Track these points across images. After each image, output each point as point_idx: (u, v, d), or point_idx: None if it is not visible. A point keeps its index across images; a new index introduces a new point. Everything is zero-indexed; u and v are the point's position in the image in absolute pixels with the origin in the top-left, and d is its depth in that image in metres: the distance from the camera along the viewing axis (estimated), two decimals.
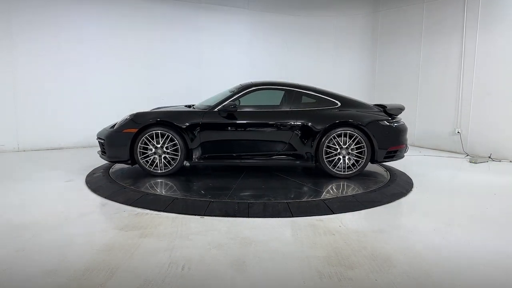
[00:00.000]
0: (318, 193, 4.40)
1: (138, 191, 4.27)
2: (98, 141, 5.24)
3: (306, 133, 4.99)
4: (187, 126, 4.87)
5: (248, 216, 3.65)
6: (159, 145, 4.86)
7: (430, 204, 4.23)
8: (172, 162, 4.92)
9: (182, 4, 8.32)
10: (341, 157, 5.00)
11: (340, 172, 5.01)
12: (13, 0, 6.71)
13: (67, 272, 2.50)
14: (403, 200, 4.36)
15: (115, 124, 5.10)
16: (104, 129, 5.26)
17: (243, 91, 5.19)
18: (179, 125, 4.85)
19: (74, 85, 7.38)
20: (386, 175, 5.28)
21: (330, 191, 4.48)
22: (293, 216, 3.67)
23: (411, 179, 5.20)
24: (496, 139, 6.97)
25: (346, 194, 4.34)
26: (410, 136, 8.42)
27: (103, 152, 5.16)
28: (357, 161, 5.02)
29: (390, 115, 5.26)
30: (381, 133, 5.02)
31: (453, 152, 7.57)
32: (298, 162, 5.05)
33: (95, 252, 2.82)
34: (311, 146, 4.97)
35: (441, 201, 4.38)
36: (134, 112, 5.03)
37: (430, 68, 8.09)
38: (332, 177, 5.02)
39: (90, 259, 2.71)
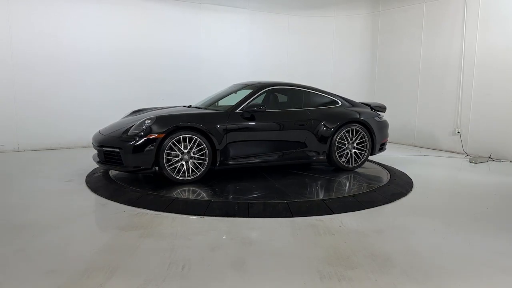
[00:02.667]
0: (360, 186, 4.78)
1: (138, 191, 4.27)
2: (104, 150, 4.60)
3: (322, 131, 5.30)
4: (214, 129, 4.65)
5: (248, 216, 3.65)
6: (186, 150, 4.52)
7: (430, 204, 4.23)
8: (199, 167, 4.60)
9: (182, 4, 8.32)
10: (348, 151, 5.44)
11: (348, 165, 5.46)
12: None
13: (67, 272, 2.50)
14: (403, 200, 4.36)
15: (128, 129, 4.56)
16: (109, 135, 4.69)
17: (259, 91, 5.23)
18: (206, 127, 4.60)
19: (73, 85, 7.37)
20: (386, 175, 5.28)
21: (370, 184, 4.82)
22: (293, 216, 3.67)
23: (411, 179, 5.20)
24: (496, 139, 6.96)
25: (346, 194, 4.34)
26: (410, 136, 8.53)
27: (107, 161, 4.61)
28: (361, 154, 5.51)
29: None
30: (377, 128, 5.63)
31: (453, 152, 7.56)
32: (314, 159, 5.34)
33: (95, 252, 2.82)
34: (326, 143, 5.31)
35: (441, 201, 4.38)
36: (153, 116, 4.61)
37: (430, 68, 8.09)
38: (341, 170, 5.44)
39: (90, 259, 2.71)
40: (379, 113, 5.88)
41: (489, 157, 6.93)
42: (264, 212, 3.73)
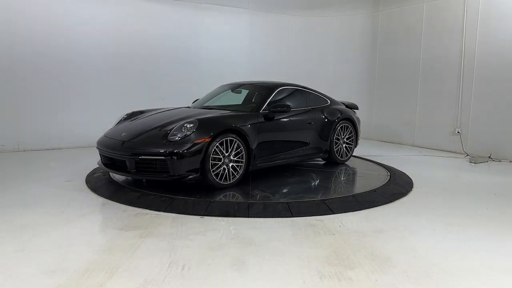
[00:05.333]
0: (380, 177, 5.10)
1: (138, 191, 4.27)
2: (139, 159, 4.18)
3: (324, 129, 5.67)
4: (249, 130, 4.62)
5: (248, 216, 3.65)
6: (227, 153, 4.39)
7: (430, 204, 4.23)
8: (237, 169, 4.50)
9: (182, 4, 8.32)
10: (340, 146, 5.93)
11: (342, 159, 5.98)
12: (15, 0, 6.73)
13: (67, 272, 2.50)
14: (403, 200, 4.36)
15: (165, 135, 4.25)
16: (143, 142, 4.30)
17: (274, 91, 5.31)
18: (243, 129, 4.55)
19: (73, 85, 7.37)
20: (386, 175, 5.28)
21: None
22: (293, 216, 3.67)
23: (411, 179, 5.20)
24: (496, 139, 6.96)
25: (346, 194, 4.34)
26: (410, 136, 8.52)
27: (141, 171, 4.22)
28: (349, 148, 6.09)
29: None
30: (358, 124, 6.23)
31: (453, 152, 7.56)
32: (320, 155, 5.74)
33: (95, 252, 2.82)
34: (327, 140, 5.71)
35: (441, 201, 4.38)
36: (193, 119, 4.39)
37: (430, 68, 8.08)
38: (338, 164, 5.93)
39: (90, 259, 2.71)
40: (354, 110, 6.40)
41: (489, 157, 6.93)
42: (264, 212, 3.73)
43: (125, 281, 2.41)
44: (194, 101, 6.05)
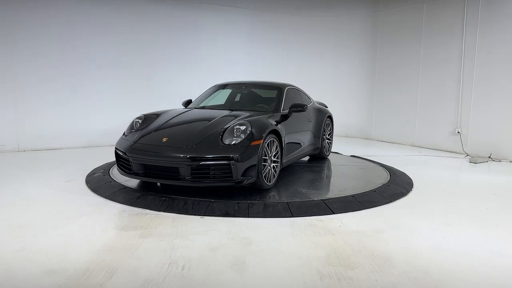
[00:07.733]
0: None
1: (138, 191, 4.27)
2: (196, 165, 3.93)
3: (318, 126, 6.00)
4: (281, 130, 4.63)
5: (248, 216, 3.65)
6: (270, 154, 4.37)
7: (430, 204, 4.23)
8: (276, 169, 4.51)
9: (182, 4, 8.32)
10: (325, 142, 6.33)
11: (327, 154, 6.44)
12: None
13: (67, 272, 2.50)
14: (403, 200, 4.36)
15: (219, 137, 4.11)
16: (196, 147, 4.01)
17: (283, 92, 5.38)
18: (280, 129, 4.58)
19: (74, 85, 7.37)
20: (386, 175, 5.28)
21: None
22: (293, 216, 3.67)
23: (411, 179, 5.20)
24: (496, 139, 6.96)
25: (346, 194, 4.34)
26: (410, 136, 8.51)
27: (198, 178, 3.98)
28: (329, 143, 6.51)
29: None
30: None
31: (453, 152, 7.56)
32: (314, 152, 6.01)
33: (95, 252, 2.82)
34: (319, 138, 6.03)
35: (441, 201, 4.38)
36: (243, 121, 4.30)
37: (430, 68, 8.08)
38: (323, 159, 6.35)
39: (90, 259, 2.71)
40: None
41: (489, 157, 6.93)
42: (264, 212, 3.73)
43: (125, 281, 2.41)
44: (187, 102, 5.78)
